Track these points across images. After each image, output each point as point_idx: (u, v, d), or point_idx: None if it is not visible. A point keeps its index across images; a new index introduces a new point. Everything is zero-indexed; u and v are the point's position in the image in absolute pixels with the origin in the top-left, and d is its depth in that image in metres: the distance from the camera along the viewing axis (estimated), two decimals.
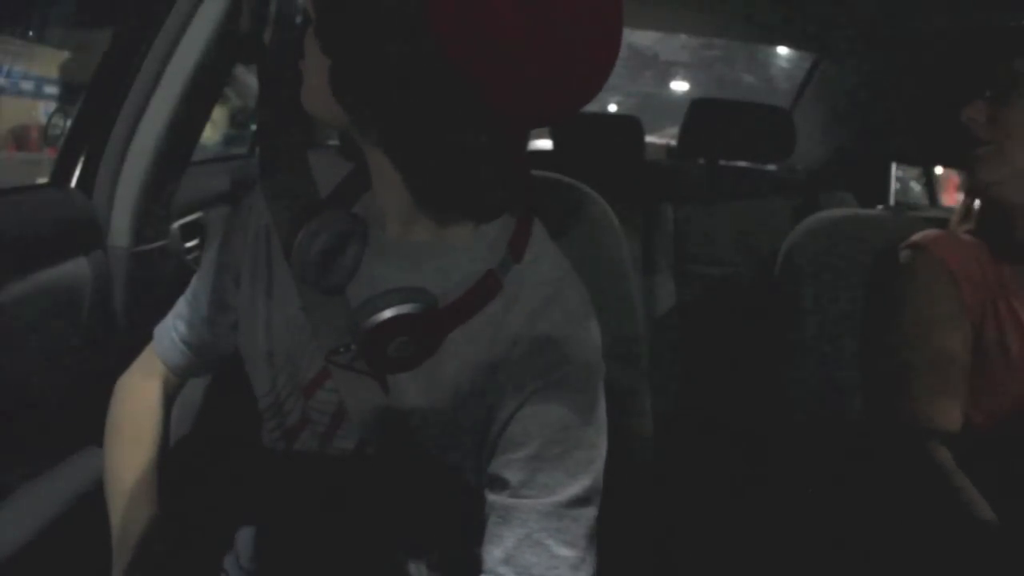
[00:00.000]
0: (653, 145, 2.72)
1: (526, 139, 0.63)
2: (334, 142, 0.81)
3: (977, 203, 1.10)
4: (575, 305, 0.69)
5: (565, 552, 0.63)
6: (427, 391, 0.68)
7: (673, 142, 2.51)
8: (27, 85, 2.20)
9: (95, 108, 1.11)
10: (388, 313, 0.62)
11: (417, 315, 0.63)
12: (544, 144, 2.99)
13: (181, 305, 0.82)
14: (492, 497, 0.66)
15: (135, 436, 0.80)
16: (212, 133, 2.58)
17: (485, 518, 0.67)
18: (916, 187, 2.62)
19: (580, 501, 0.65)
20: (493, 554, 0.64)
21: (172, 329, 0.82)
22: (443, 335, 0.66)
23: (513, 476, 0.65)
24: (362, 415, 0.69)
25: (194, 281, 0.82)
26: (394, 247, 0.68)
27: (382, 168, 0.65)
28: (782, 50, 4.34)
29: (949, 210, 1.25)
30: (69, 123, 1.16)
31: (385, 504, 0.71)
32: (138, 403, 0.82)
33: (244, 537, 0.84)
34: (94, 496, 0.99)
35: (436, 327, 0.65)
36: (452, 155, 0.59)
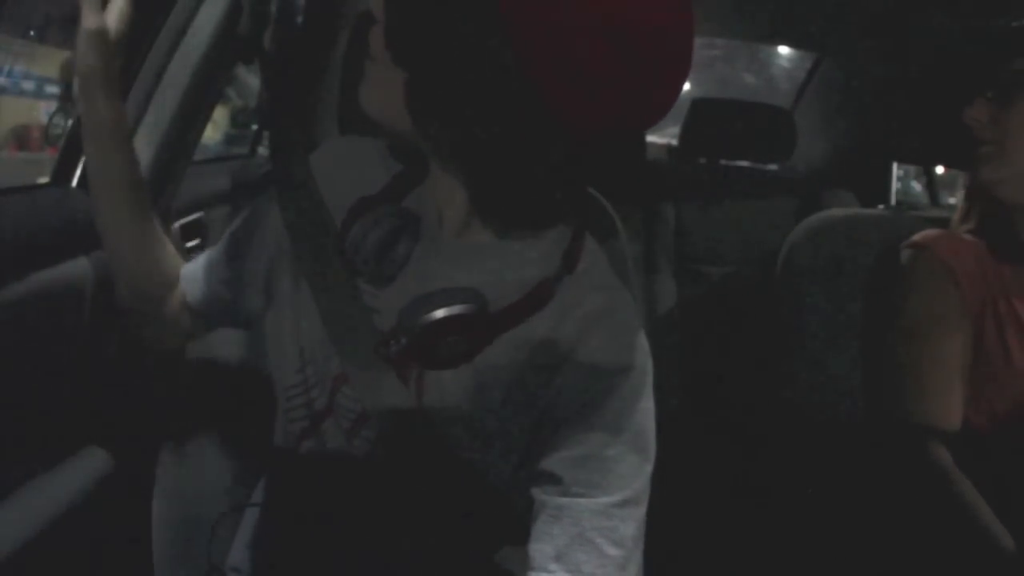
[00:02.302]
0: (654, 145, 2.72)
1: (590, 154, 0.65)
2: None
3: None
4: (628, 313, 0.71)
5: (614, 552, 0.64)
6: (467, 390, 0.68)
7: (674, 142, 2.50)
8: (28, 85, 2.20)
9: None
10: (442, 312, 0.63)
11: (471, 316, 0.64)
12: None
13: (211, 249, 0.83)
14: (542, 495, 0.66)
15: None
16: (213, 133, 2.58)
17: (505, 520, 0.68)
18: (917, 187, 2.62)
19: (631, 502, 0.66)
20: (544, 551, 0.64)
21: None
22: (493, 338, 0.67)
23: (566, 473, 0.65)
24: (384, 414, 0.69)
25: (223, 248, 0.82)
26: (449, 246, 0.69)
27: (445, 173, 0.66)
28: (783, 50, 4.33)
29: (950, 209, 1.25)
30: (70, 123, 1.15)
31: (407, 502, 0.71)
32: None
33: (249, 525, 0.84)
34: (94, 496, 0.99)
35: (487, 329, 0.66)
36: (521, 171, 0.61)
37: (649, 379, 0.70)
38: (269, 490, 0.85)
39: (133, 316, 0.82)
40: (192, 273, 0.81)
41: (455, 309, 0.63)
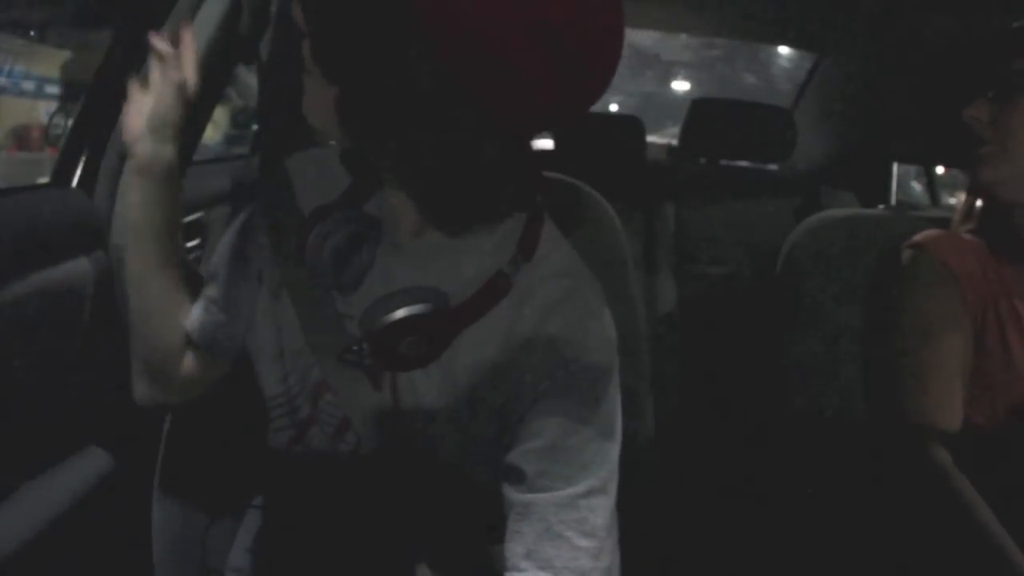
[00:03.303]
0: (654, 145, 2.72)
1: (530, 142, 0.65)
2: (334, 142, 0.81)
3: (979, 203, 1.10)
4: (589, 300, 0.70)
5: (584, 543, 0.64)
6: (440, 389, 0.69)
7: (674, 142, 2.50)
8: (28, 85, 2.20)
9: (96, 108, 1.11)
10: (400, 313, 0.63)
11: (428, 315, 0.64)
12: (545, 144, 2.98)
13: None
14: (510, 493, 0.67)
15: None
16: (213, 133, 2.58)
17: (493, 517, 0.68)
18: (917, 187, 2.62)
19: (597, 492, 0.66)
20: (514, 550, 0.65)
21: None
22: (454, 334, 0.67)
23: (530, 467, 0.65)
24: (364, 418, 0.69)
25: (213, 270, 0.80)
26: (407, 247, 0.69)
27: (392, 176, 0.66)
28: (783, 50, 4.34)
29: (950, 209, 1.25)
30: (70, 123, 1.15)
31: (391, 503, 0.71)
32: None
33: (248, 527, 0.84)
34: (94, 496, 0.99)
35: (447, 326, 0.66)
36: (462, 167, 0.60)
37: (612, 366, 0.69)
38: (266, 494, 0.85)
39: (151, 377, 0.81)
40: (198, 321, 0.79)
41: (412, 309, 0.64)
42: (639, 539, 0.81)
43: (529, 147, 0.66)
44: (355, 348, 0.67)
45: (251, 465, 0.90)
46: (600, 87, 0.60)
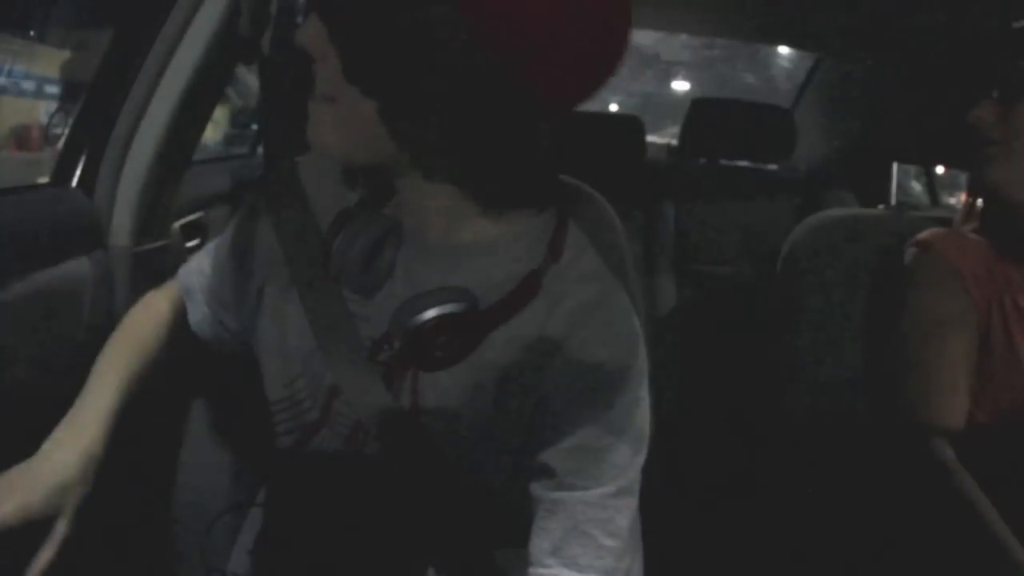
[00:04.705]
0: (654, 145, 2.72)
1: (555, 135, 0.65)
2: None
3: (980, 202, 1.10)
4: (619, 303, 0.71)
5: (610, 543, 0.65)
6: (465, 390, 0.68)
7: (674, 142, 2.50)
8: (28, 85, 2.20)
9: (96, 108, 1.11)
10: (433, 312, 0.64)
11: (460, 314, 0.65)
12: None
13: (204, 262, 0.82)
14: (537, 490, 0.67)
15: (131, 336, 0.82)
16: (213, 133, 2.58)
17: (506, 521, 0.69)
18: (917, 187, 2.62)
19: (624, 492, 0.67)
20: (540, 546, 0.65)
21: (196, 274, 0.82)
22: (484, 335, 0.67)
23: (559, 465, 0.66)
24: (378, 421, 0.69)
25: (215, 255, 0.81)
26: (435, 249, 0.69)
27: (426, 180, 0.66)
28: (783, 50, 4.34)
29: (951, 209, 1.25)
30: (70, 123, 1.16)
31: (400, 507, 0.71)
32: (148, 311, 0.84)
33: (250, 528, 0.84)
34: (94, 496, 0.99)
35: (478, 327, 0.66)
36: (506, 159, 0.62)
37: (642, 369, 0.70)
38: (269, 496, 0.85)
39: None
40: (198, 319, 0.81)
41: (446, 308, 0.64)
42: (639, 538, 0.82)
43: (553, 144, 0.67)
44: (385, 347, 0.66)
45: (254, 466, 0.90)
46: (614, 62, 0.62)
